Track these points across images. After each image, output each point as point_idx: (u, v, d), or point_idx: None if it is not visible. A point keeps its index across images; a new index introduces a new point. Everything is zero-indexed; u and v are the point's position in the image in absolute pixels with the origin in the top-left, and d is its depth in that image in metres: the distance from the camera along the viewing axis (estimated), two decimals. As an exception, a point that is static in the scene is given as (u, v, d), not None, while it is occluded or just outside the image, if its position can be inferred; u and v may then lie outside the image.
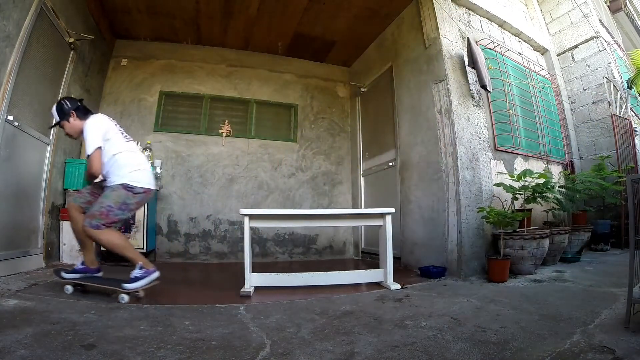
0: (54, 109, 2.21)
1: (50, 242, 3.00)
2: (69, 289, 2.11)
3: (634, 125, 4.54)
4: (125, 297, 1.97)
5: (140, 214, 3.29)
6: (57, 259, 3.08)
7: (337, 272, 2.68)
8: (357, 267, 3.83)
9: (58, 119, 2.20)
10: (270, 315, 1.81)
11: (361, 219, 2.98)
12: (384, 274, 2.56)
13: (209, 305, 1.99)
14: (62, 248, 3.12)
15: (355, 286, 2.54)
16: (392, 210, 2.61)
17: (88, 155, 2.05)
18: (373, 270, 2.67)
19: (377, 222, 2.65)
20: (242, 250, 4.11)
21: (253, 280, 2.41)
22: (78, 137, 2.25)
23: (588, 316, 1.68)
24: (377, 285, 2.57)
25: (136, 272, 2.01)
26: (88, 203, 2.14)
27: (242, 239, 4.14)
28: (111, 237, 2.05)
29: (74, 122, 2.18)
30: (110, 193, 2.06)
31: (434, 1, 3.33)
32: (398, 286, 2.47)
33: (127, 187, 2.08)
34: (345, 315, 1.83)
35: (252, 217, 2.42)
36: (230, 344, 1.39)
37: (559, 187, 3.41)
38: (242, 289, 2.30)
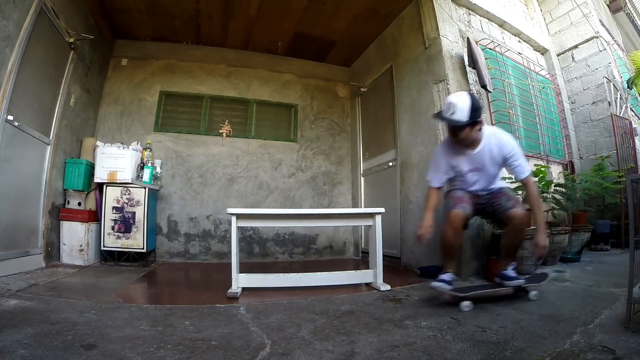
0: (464, 105, 1.90)
1: (50, 242, 3.00)
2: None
3: (634, 125, 4.54)
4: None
5: (141, 214, 3.29)
6: (57, 259, 3.08)
7: (326, 272, 2.64)
8: (355, 267, 3.83)
9: (468, 119, 1.90)
10: (271, 315, 1.81)
11: (351, 218, 2.90)
12: (374, 274, 2.53)
13: (209, 305, 1.99)
14: (62, 248, 3.12)
15: (356, 286, 2.53)
16: (382, 210, 2.57)
17: (526, 177, 2.05)
18: (363, 270, 2.63)
19: (367, 222, 2.61)
20: (243, 251, 4.15)
21: (241, 281, 2.35)
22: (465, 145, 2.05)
23: (588, 316, 1.68)
24: (368, 286, 2.53)
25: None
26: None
27: (243, 239, 4.20)
28: None
29: (478, 132, 2.00)
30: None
31: (434, 1, 3.33)
32: (388, 287, 2.43)
33: None
34: (345, 315, 1.83)
35: (239, 216, 2.36)
36: (230, 344, 1.39)
37: (557, 184, 3.41)
38: (229, 290, 2.24)
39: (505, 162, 2.09)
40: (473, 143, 2.05)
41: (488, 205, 2.15)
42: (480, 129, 2.01)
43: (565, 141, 4.43)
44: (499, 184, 2.21)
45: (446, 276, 2.02)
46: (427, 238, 2.07)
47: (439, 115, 2.05)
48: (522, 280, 2.04)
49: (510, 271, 2.08)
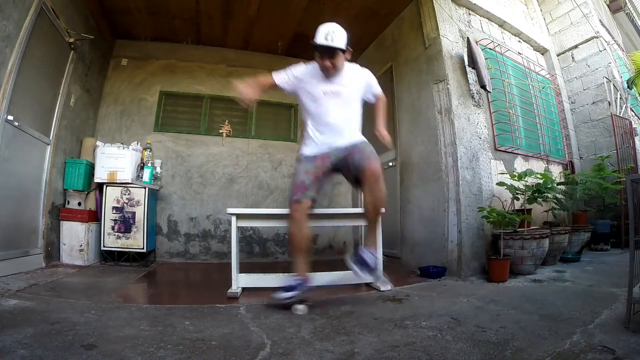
0: (341, 33, 1.96)
1: (50, 242, 3.00)
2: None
3: (634, 125, 4.54)
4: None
5: (141, 214, 3.29)
6: (57, 259, 3.08)
7: (326, 272, 2.61)
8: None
9: (343, 47, 1.97)
10: (271, 315, 1.81)
11: (351, 218, 2.90)
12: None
13: (209, 305, 1.99)
14: (62, 248, 3.12)
15: (356, 286, 2.53)
16: (382, 210, 2.54)
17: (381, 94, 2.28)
18: None
19: (363, 222, 2.56)
20: (243, 251, 4.15)
21: (241, 281, 2.36)
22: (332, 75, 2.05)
23: (588, 316, 1.68)
24: (368, 286, 2.52)
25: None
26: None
27: (243, 238, 4.20)
28: None
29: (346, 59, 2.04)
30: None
31: (434, 1, 3.33)
32: (389, 287, 2.43)
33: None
34: (345, 315, 1.82)
35: (239, 216, 2.38)
36: (230, 344, 1.39)
37: (558, 183, 3.41)
38: (230, 290, 2.25)
39: (366, 86, 2.22)
40: (338, 72, 2.07)
41: (343, 166, 2.09)
42: (347, 59, 2.07)
43: (565, 141, 4.44)
44: (356, 137, 2.15)
45: (292, 281, 1.94)
46: (250, 100, 2.05)
47: (318, 43, 1.96)
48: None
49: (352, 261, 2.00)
